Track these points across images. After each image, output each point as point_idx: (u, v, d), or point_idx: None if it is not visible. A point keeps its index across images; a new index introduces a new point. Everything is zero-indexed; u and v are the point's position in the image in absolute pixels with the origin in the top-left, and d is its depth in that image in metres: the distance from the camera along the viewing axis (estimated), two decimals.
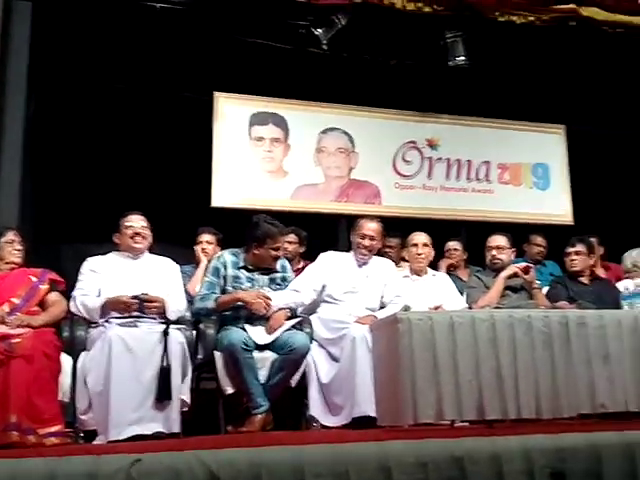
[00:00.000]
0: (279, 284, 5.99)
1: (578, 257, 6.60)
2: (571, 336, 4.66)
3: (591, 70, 8.72)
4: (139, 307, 5.41)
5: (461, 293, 6.72)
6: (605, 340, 4.71)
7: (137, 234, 5.77)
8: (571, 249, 6.64)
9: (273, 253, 5.89)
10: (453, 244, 7.89)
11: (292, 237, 7.45)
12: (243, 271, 5.92)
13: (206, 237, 7.12)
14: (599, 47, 8.42)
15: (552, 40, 8.28)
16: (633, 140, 9.53)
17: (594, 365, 4.65)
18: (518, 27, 8.06)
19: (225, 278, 5.88)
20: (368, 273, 6.29)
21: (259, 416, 5.42)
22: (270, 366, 5.57)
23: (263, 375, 5.53)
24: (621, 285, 6.40)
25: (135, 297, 5.40)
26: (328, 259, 6.35)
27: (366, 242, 6.28)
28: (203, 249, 7.03)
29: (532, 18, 8.05)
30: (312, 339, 5.85)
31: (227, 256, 5.96)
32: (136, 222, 5.81)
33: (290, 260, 6.68)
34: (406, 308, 4.97)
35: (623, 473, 3.66)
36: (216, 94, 8.40)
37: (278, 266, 6.04)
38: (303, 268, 6.90)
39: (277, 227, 5.93)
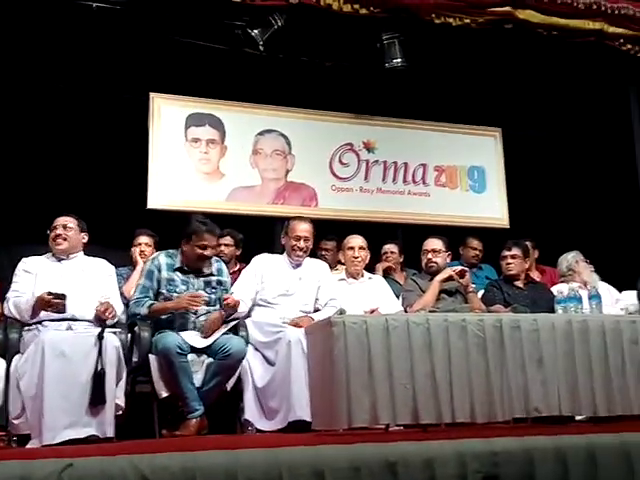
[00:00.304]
0: (215, 287, 5.93)
1: (514, 261, 6.62)
2: (505, 340, 4.68)
3: (527, 73, 8.78)
4: (63, 305, 5.32)
5: (397, 296, 6.73)
6: (539, 344, 4.73)
7: (58, 236, 5.74)
8: (507, 252, 6.65)
9: (198, 251, 5.81)
10: (389, 247, 7.88)
11: (228, 239, 7.41)
12: (178, 273, 5.85)
13: (144, 239, 7.05)
14: (535, 50, 8.48)
15: (488, 43, 8.31)
16: (568, 143, 9.62)
17: (528, 369, 4.67)
18: (454, 29, 8.08)
19: (159, 281, 5.82)
20: (302, 275, 6.30)
21: (194, 420, 5.39)
22: (205, 370, 5.54)
23: (198, 379, 5.50)
24: (556, 289, 6.43)
25: (50, 293, 5.29)
26: (261, 262, 6.34)
27: (301, 243, 6.27)
28: (142, 251, 6.95)
29: (468, 20, 8.07)
30: (247, 342, 5.82)
31: (162, 258, 5.90)
32: (58, 223, 5.79)
33: (226, 263, 6.63)
34: (341, 311, 4.94)
35: (556, 477, 3.67)
36: (152, 95, 8.30)
37: (214, 269, 5.99)
38: (239, 270, 6.88)
39: (206, 225, 5.88)
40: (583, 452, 3.74)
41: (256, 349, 5.86)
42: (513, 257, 6.62)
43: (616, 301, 6.90)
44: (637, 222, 8.80)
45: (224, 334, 5.65)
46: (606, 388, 4.78)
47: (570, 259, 6.99)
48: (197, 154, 8.41)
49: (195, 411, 5.40)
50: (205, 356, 5.57)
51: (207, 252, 5.86)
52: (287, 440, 4.37)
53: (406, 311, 6.28)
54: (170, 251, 5.97)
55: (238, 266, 7.31)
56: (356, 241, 6.76)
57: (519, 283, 6.61)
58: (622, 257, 8.39)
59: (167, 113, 8.37)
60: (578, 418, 5.06)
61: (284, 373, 5.56)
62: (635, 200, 8.86)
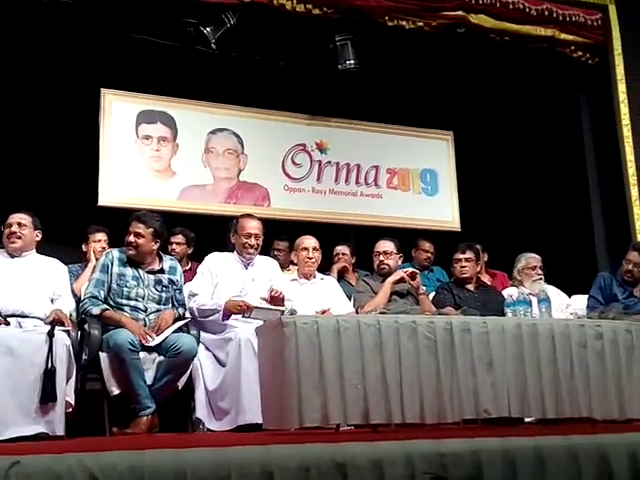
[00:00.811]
0: (166, 286, 5.89)
1: (468, 264, 6.62)
2: (455, 342, 4.67)
3: (479, 78, 8.84)
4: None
5: (349, 297, 6.73)
6: (489, 346, 4.73)
7: (12, 233, 5.68)
8: (461, 255, 6.65)
9: (126, 237, 5.84)
10: (341, 248, 7.87)
11: (179, 238, 7.41)
12: (129, 268, 5.82)
13: (102, 236, 6.97)
14: (487, 55, 8.55)
15: (441, 46, 8.37)
16: (518, 148, 9.68)
17: (478, 371, 4.66)
18: (407, 32, 8.13)
19: (111, 275, 5.78)
20: (254, 275, 6.27)
21: (145, 418, 5.37)
22: (156, 368, 5.51)
23: (149, 377, 5.47)
24: (506, 292, 6.46)
25: None
26: (215, 261, 6.30)
27: (252, 241, 6.25)
28: (102, 248, 6.84)
29: (421, 24, 8.14)
30: (198, 342, 5.79)
31: (115, 253, 5.90)
32: (13, 220, 5.73)
33: (178, 261, 6.59)
34: (292, 312, 4.93)
35: (504, 479, 3.68)
36: (103, 91, 8.23)
37: (166, 267, 5.96)
38: (191, 269, 6.88)
39: (136, 214, 5.95)
40: (531, 454, 3.74)
41: (207, 348, 5.85)
42: (467, 260, 6.63)
43: (566, 306, 6.95)
44: (587, 227, 8.90)
45: (175, 332, 5.62)
46: (555, 391, 4.79)
47: (520, 264, 7.00)
48: (148, 151, 8.37)
49: (147, 408, 5.37)
50: (156, 354, 5.54)
51: (130, 238, 5.82)
52: (237, 439, 4.34)
53: (357, 312, 6.29)
54: (123, 248, 5.94)
55: (190, 265, 7.31)
56: (310, 242, 6.74)
57: (470, 286, 6.63)
58: (572, 262, 8.46)
59: (118, 109, 8.31)
60: (527, 420, 5.09)
61: (234, 375, 5.54)
62: (584, 205, 8.96)
